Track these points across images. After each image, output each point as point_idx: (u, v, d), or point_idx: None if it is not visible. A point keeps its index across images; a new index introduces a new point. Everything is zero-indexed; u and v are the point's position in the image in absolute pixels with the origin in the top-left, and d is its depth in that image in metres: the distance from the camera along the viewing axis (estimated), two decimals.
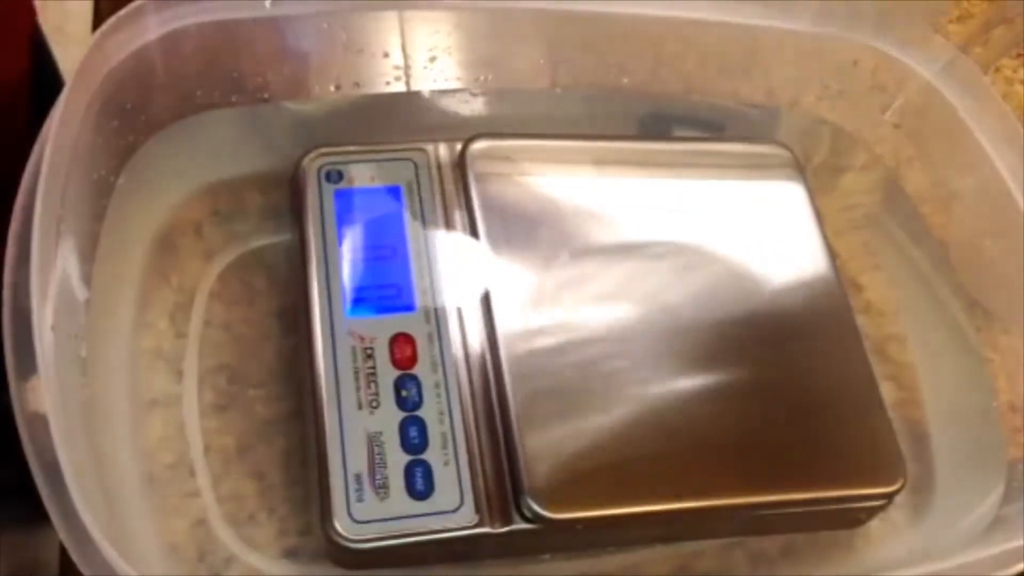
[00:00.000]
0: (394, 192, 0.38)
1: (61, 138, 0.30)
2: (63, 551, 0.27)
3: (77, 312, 0.32)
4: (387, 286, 0.36)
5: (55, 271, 0.30)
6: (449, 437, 0.33)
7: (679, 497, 0.33)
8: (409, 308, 0.35)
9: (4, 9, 0.34)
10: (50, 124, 0.31)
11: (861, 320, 0.39)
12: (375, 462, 0.32)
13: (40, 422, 0.27)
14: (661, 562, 0.36)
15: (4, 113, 0.35)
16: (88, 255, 0.33)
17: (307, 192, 0.37)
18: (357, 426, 0.33)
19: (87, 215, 0.34)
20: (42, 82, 0.37)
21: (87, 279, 0.33)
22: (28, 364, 0.27)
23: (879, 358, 0.40)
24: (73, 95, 0.32)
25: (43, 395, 0.27)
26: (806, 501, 0.35)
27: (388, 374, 0.34)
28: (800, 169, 0.42)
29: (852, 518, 0.36)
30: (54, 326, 0.28)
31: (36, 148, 0.30)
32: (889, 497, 0.35)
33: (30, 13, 0.36)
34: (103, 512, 0.28)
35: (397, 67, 0.41)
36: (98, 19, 0.45)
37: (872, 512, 0.36)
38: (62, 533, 0.26)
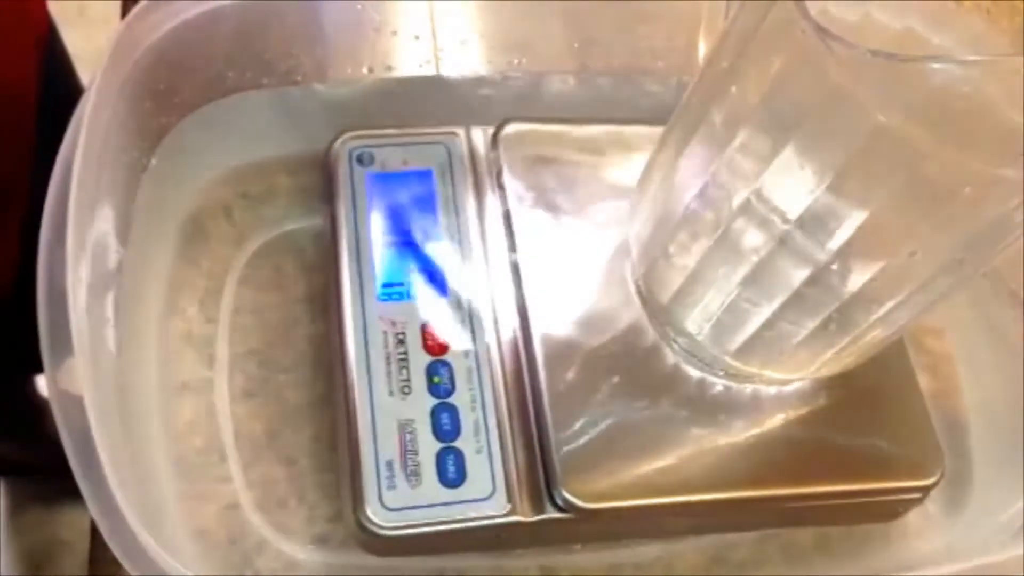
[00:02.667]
0: (426, 176, 0.38)
1: (96, 119, 0.30)
2: (94, 532, 0.27)
3: (110, 295, 0.32)
4: (419, 271, 0.35)
5: (89, 253, 0.29)
6: (482, 424, 0.33)
7: (713, 488, 0.33)
8: (441, 293, 0.35)
9: (10, 10, 0.34)
10: (84, 106, 0.30)
11: None
12: (406, 449, 0.32)
13: (74, 402, 0.26)
14: (694, 553, 0.36)
15: (9, 111, 0.35)
16: (121, 237, 0.33)
17: (338, 175, 0.37)
18: (388, 412, 0.32)
19: (120, 197, 0.34)
20: (55, 81, 0.37)
21: (119, 262, 0.33)
22: (63, 344, 0.27)
23: (916, 348, 0.40)
24: (107, 77, 0.31)
25: (78, 375, 0.27)
26: (842, 493, 0.34)
27: (420, 360, 0.34)
28: None
29: (888, 511, 0.36)
30: (88, 307, 0.28)
31: (71, 130, 0.30)
32: (926, 490, 0.34)
33: (40, 13, 0.36)
34: (135, 494, 0.28)
35: (429, 50, 0.40)
36: (126, 2, 0.45)
37: (909, 505, 0.36)
38: (95, 513, 0.26)
